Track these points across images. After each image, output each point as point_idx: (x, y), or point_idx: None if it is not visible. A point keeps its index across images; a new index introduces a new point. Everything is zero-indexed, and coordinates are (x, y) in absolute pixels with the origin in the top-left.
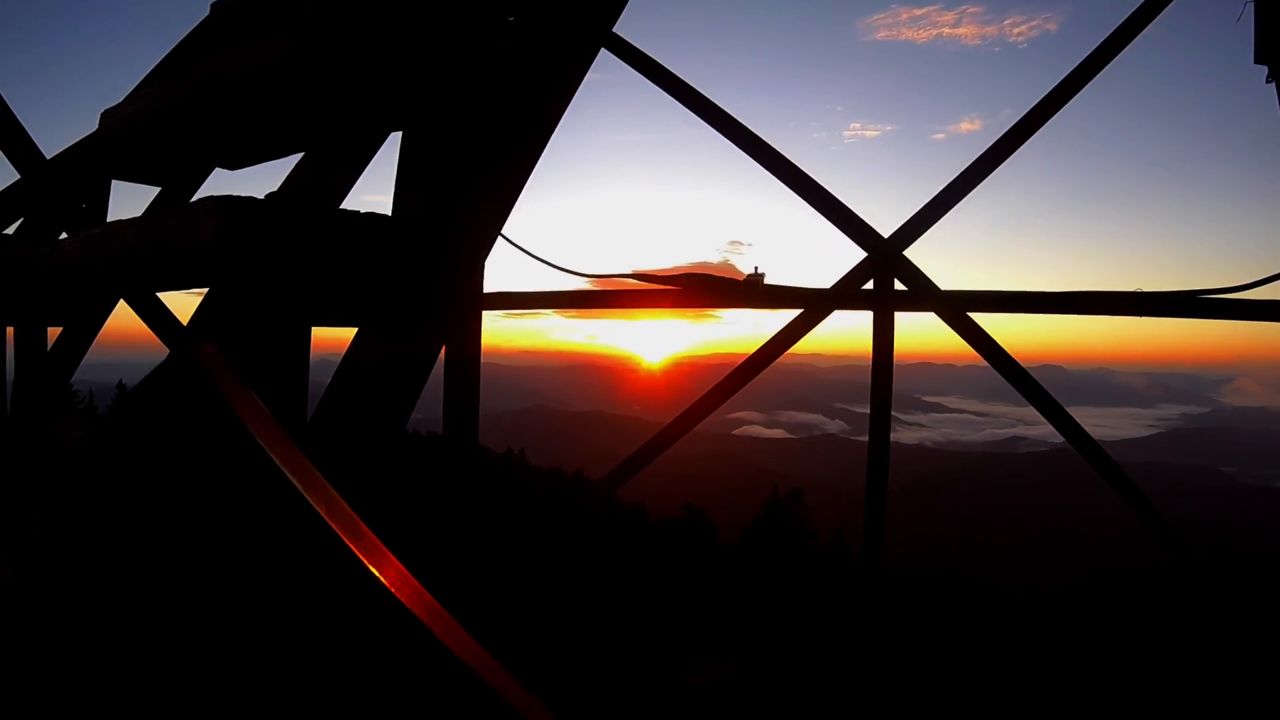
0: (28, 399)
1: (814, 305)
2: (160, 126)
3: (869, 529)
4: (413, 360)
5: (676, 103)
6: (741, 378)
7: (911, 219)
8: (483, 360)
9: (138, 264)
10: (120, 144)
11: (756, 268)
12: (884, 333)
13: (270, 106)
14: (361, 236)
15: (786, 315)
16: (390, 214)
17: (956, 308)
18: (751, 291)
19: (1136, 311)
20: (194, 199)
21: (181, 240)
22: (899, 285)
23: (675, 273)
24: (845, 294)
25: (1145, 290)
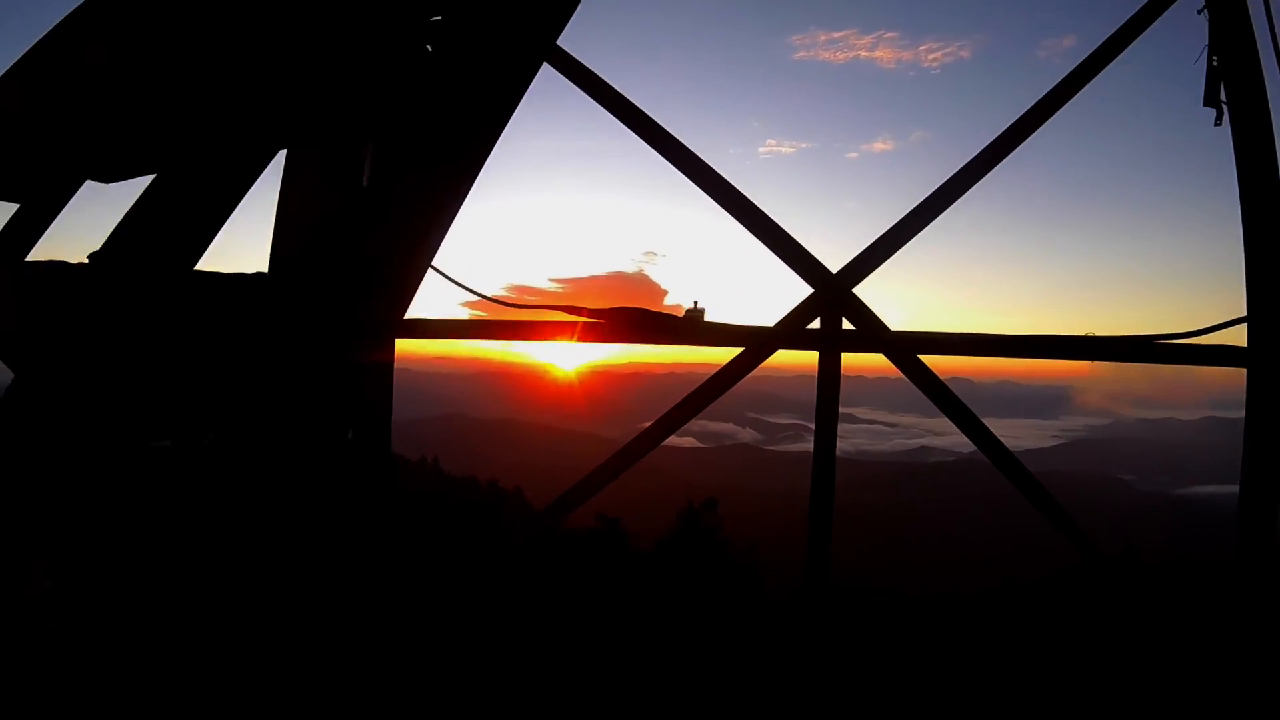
0: None
1: (757, 344)
2: (7, 132)
3: (811, 575)
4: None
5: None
6: (681, 416)
7: (861, 255)
8: (396, 366)
9: None
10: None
11: (696, 303)
12: (830, 375)
13: (123, 111)
14: (225, 308)
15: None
16: (269, 267)
17: (907, 350)
18: (692, 329)
19: (1091, 356)
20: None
21: None
22: (847, 324)
23: (607, 308)
24: (790, 333)
25: (1097, 335)
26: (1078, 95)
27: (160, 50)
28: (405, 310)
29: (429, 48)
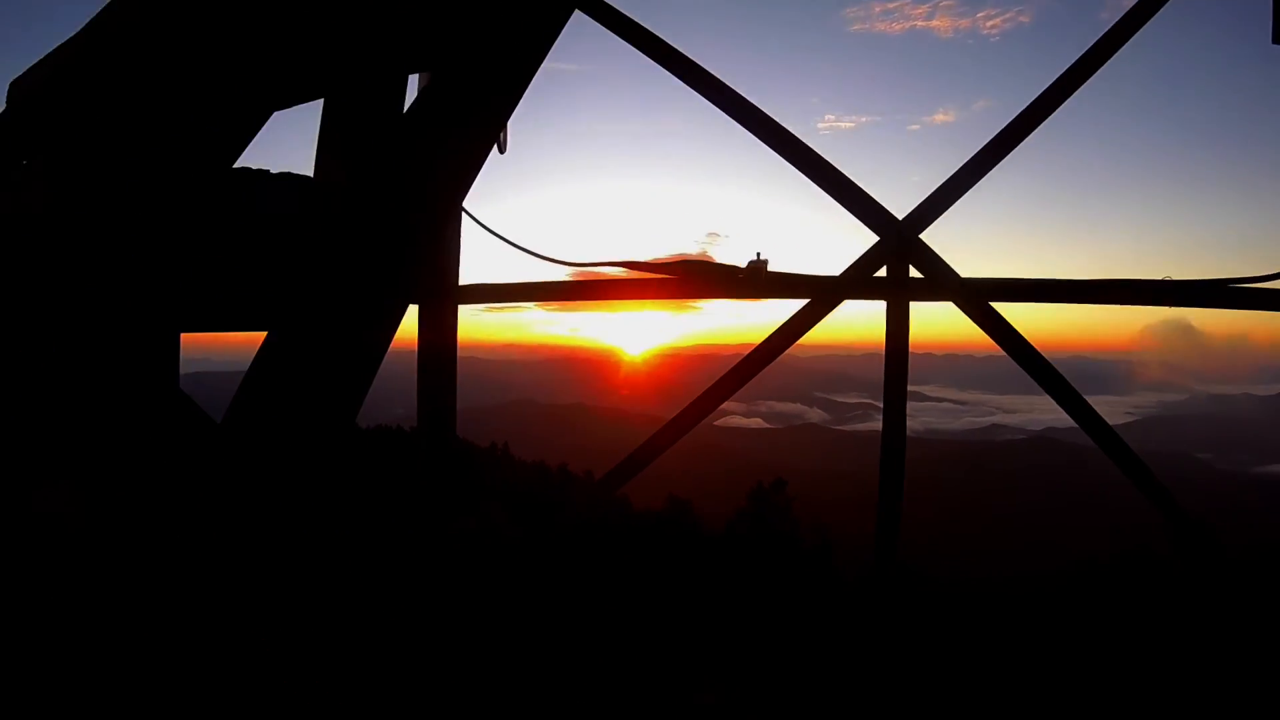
0: None
1: (822, 295)
2: (66, 88)
3: (881, 536)
4: (349, 362)
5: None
6: (747, 371)
7: (928, 199)
8: (465, 354)
9: None
10: (28, 117)
11: (759, 254)
12: (899, 324)
13: (177, 49)
14: (270, 204)
15: (787, 306)
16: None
17: (978, 297)
18: (754, 280)
19: (1165, 301)
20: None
21: (12, 213)
22: (914, 273)
23: (669, 261)
24: (857, 282)
25: (1174, 279)
26: (1141, 31)
27: None
28: (454, 266)
29: None
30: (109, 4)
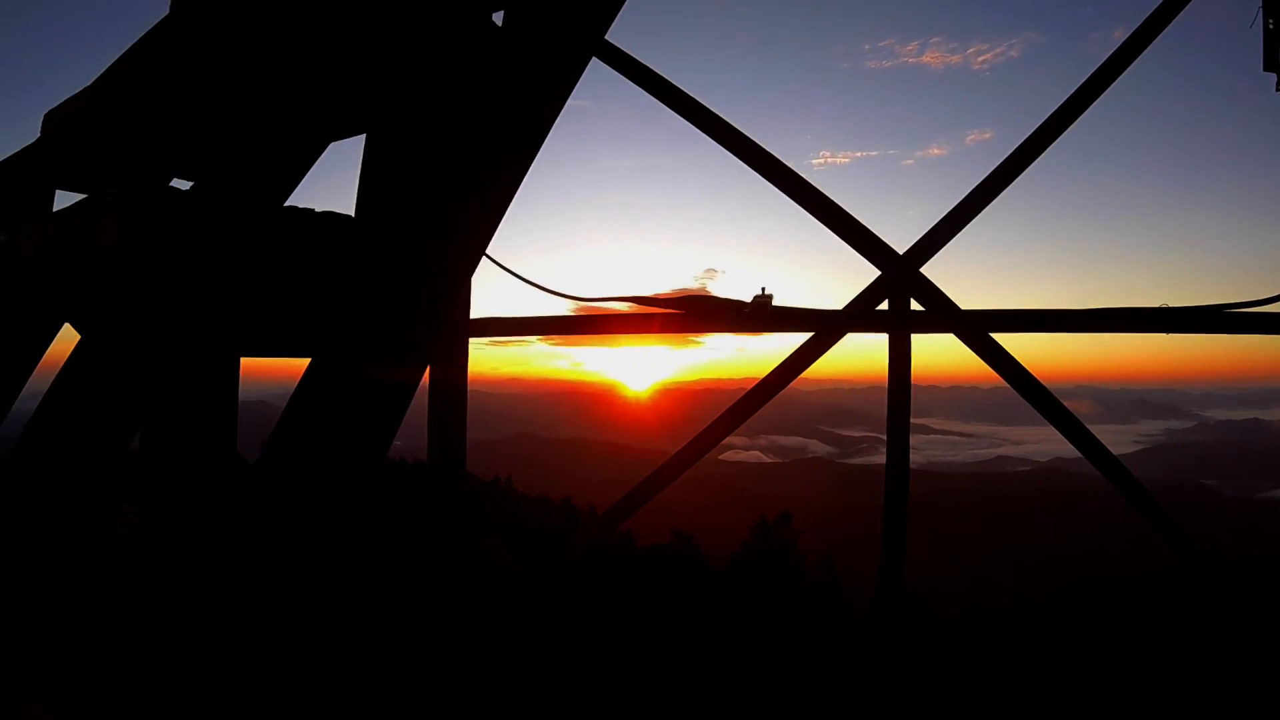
0: None
1: (826, 328)
2: (104, 123)
3: (885, 569)
4: (387, 390)
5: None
6: (752, 405)
7: (928, 234)
8: (468, 387)
9: (43, 277)
10: (62, 148)
11: (764, 289)
12: (901, 356)
13: (215, 93)
14: (317, 240)
15: (790, 340)
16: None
17: (978, 328)
18: (759, 314)
19: (1162, 328)
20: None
21: (80, 243)
22: (915, 305)
23: (673, 296)
24: (859, 315)
25: (1171, 306)
26: (1135, 64)
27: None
28: (468, 298)
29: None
30: (158, 34)
